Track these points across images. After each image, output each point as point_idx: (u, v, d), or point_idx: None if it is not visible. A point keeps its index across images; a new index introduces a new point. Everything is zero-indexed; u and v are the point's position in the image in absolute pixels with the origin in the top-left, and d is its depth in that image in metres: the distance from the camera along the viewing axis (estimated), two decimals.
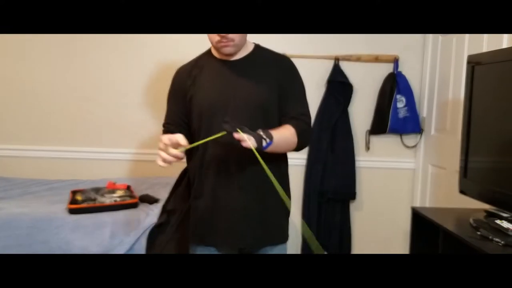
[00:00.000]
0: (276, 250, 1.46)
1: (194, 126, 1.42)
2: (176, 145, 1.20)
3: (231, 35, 1.33)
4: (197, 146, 1.39)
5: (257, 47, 1.47)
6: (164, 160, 1.19)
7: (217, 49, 1.39)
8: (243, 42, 1.40)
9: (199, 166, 1.42)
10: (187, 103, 1.42)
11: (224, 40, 1.33)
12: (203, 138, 1.34)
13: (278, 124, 1.41)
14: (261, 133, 1.22)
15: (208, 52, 1.48)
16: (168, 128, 1.45)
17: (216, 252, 1.43)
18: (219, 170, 1.38)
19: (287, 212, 1.52)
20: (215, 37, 1.34)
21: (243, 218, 1.40)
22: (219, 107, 1.37)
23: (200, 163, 1.42)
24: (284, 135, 1.33)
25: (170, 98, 1.49)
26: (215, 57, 1.44)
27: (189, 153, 1.47)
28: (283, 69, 1.45)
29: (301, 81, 1.48)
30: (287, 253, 1.54)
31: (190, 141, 1.41)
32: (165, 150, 1.19)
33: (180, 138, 1.20)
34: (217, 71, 1.41)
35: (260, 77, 1.40)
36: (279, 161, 1.45)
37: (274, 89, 1.40)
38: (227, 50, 1.37)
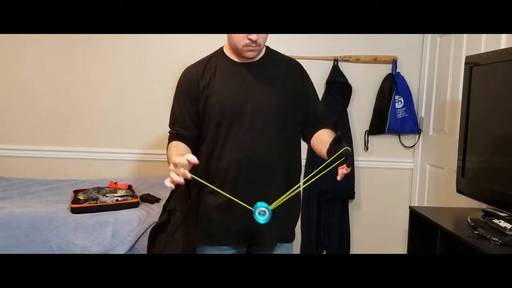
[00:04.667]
0: (284, 248, 1.48)
1: (209, 128, 1.38)
2: (186, 166, 1.15)
3: (259, 40, 1.33)
4: (211, 147, 1.38)
5: (269, 49, 1.48)
6: (173, 181, 1.16)
7: (241, 52, 1.36)
8: (264, 46, 1.41)
9: (214, 169, 1.39)
10: (201, 105, 1.39)
11: (253, 45, 1.32)
12: (220, 140, 1.36)
13: (290, 126, 1.42)
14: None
15: (220, 53, 1.44)
16: (178, 131, 1.41)
17: (226, 251, 1.43)
18: (235, 172, 1.37)
19: (298, 212, 1.53)
20: (243, 40, 1.31)
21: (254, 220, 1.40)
22: (239, 109, 1.36)
23: (216, 166, 1.39)
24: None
25: (179, 99, 1.43)
26: (229, 58, 1.41)
27: (203, 156, 1.43)
28: (296, 72, 1.47)
29: (312, 82, 1.52)
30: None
31: (197, 144, 1.40)
32: (175, 171, 1.15)
33: (191, 158, 1.14)
34: (234, 73, 1.40)
35: (275, 79, 1.41)
36: (299, 166, 1.50)
37: (289, 91, 1.42)
38: (252, 54, 1.36)
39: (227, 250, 1.43)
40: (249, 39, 1.31)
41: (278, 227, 1.43)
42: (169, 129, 1.45)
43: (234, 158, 1.36)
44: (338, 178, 1.20)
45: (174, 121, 1.43)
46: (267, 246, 1.45)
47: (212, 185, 1.39)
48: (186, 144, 1.38)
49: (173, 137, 1.42)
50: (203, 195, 1.44)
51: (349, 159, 1.18)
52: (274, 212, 1.40)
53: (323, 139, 1.35)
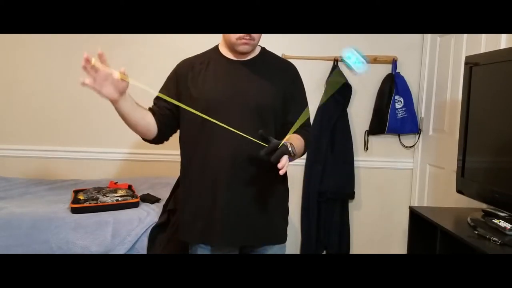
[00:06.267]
0: (276, 250, 1.47)
1: (193, 119, 1.39)
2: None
3: (254, 34, 1.35)
4: (198, 146, 1.39)
5: (264, 50, 1.48)
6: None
7: (235, 47, 1.38)
8: (258, 43, 1.42)
9: (199, 165, 1.41)
10: (186, 97, 1.41)
11: (247, 38, 1.34)
12: (206, 132, 1.37)
13: (277, 127, 1.43)
14: (290, 148, 1.25)
15: (215, 49, 1.47)
16: (152, 108, 1.47)
17: (216, 251, 1.44)
18: (220, 170, 1.38)
19: (286, 213, 1.53)
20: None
21: (245, 217, 1.40)
22: (225, 105, 1.37)
23: (201, 163, 1.41)
24: (300, 147, 1.38)
25: (166, 84, 1.49)
26: (223, 55, 1.44)
27: (188, 152, 1.47)
28: (289, 75, 1.48)
29: (304, 89, 1.51)
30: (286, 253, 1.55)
31: (169, 129, 1.46)
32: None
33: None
34: (225, 69, 1.41)
35: (267, 79, 1.41)
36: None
37: (279, 94, 1.42)
38: (246, 48, 1.37)
39: (218, 251, 1.43)
40: None
41: (265, 228, 1.43)
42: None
43: (218, 153, 1.37)
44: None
45: (155, 100, 1.48)
46: (256, 247, 1.45)
47: (197, 179, 1.41)
48: (155, 118, 1.42)
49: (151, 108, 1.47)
50: (189, 194, 1.44)
51: (275, 153, 1.18)
52: (259, 214, 1.40)
53: None
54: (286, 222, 1.52)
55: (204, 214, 1.41)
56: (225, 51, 1.44)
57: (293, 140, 1.34)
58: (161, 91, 1.46)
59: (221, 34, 1.43)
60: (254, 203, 1.41)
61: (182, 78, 1.43)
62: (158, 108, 1.44)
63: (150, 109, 1.45)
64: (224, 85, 1.39)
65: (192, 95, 1.40)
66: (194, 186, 1.43)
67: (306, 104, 1.51)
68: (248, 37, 1.34)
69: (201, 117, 1.37)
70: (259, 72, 1.42)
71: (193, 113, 1.38)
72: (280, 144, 1.21)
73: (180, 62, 1.49)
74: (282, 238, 1.49)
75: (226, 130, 1.35)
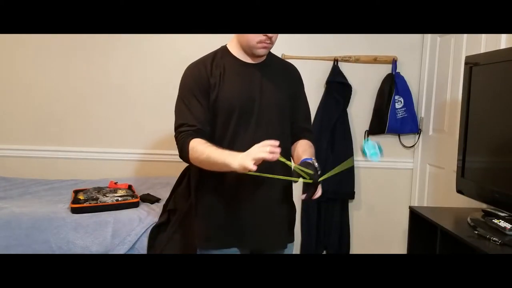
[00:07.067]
0: (285, 249, 1.49)
1: (217, 125, 1.37)
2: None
3: (273, 38, 1.35)
4: (218, 144, 1.35)
5: (270, 53, 1.48)
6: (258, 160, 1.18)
7: (253, 50, 1.36)
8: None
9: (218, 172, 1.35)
10: (211, 103, 1.36)
11: (267, 42, 1.34)
12: (228, 137, 1.36)
13: (289, 124, 1.46)
14: (316, 165, 1.31)
15: (225, 51, 1.42)
16: (197, 127, 1.34)
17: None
18: (239, 176, 1.32)
19: (295, 211, 1.54)
20: (258, 37, 1.32)
21: (262, 221, 1.41)
22: (248, 107, 1.37)
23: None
24: (314, 153, 1.44)
25: (191, 95, 1.36)
26: (236, 58, 1.41)
27: None
28: (293, 77, 1.51)
29: (304, 90, 1.55)
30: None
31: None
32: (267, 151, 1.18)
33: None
34: (243, 73, 1.40)
35: (279, 80, 1.44)
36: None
37: (287, 95, 1.45)
38: (264, 52, 1.37)
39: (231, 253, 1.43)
40: (265, 35, 1.32)
41: (280, 229, 1.45)
42: (181, 128, 1.35)
43: None
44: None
45: (188, 119, 1.35)
46: (273, 250, 1.46)
47: (219, 182, 1.38)
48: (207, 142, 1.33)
49: (191, 135, 1.33)
50: (202, 196, 1.44)
51: (310, 188, 1.29)
52: (274, 215, 1.42)
53: (298, 151, 1.43)
54: (295, 220, 1.55)
55: (220, 221, 1.40)
56: (238, 53, 1.41)
57: (309, 150, 1.41)
58: (195, 108, 1.35)
59: (233, 36, 1.42)
60: (270, 206, 1.41)
61: (205, 88, 1.35)
62: (203, 126, 1.36)
63: (197, 132, 1.34)
64: (243, 88, 1.39)
65: (216, 101, 1.36)
66: (212, 193, 1.41)
67: (307, 106, 1.56)
68: (268, 41, 1.34)
69: (223, 120, 1.36)
70: (273, 74, 1.44)
71: (215, 117, 1.36)
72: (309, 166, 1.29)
73: (192, 69, 1.39)
74: (291, 238, 1.52)
75: (248, 131, 1.36)
